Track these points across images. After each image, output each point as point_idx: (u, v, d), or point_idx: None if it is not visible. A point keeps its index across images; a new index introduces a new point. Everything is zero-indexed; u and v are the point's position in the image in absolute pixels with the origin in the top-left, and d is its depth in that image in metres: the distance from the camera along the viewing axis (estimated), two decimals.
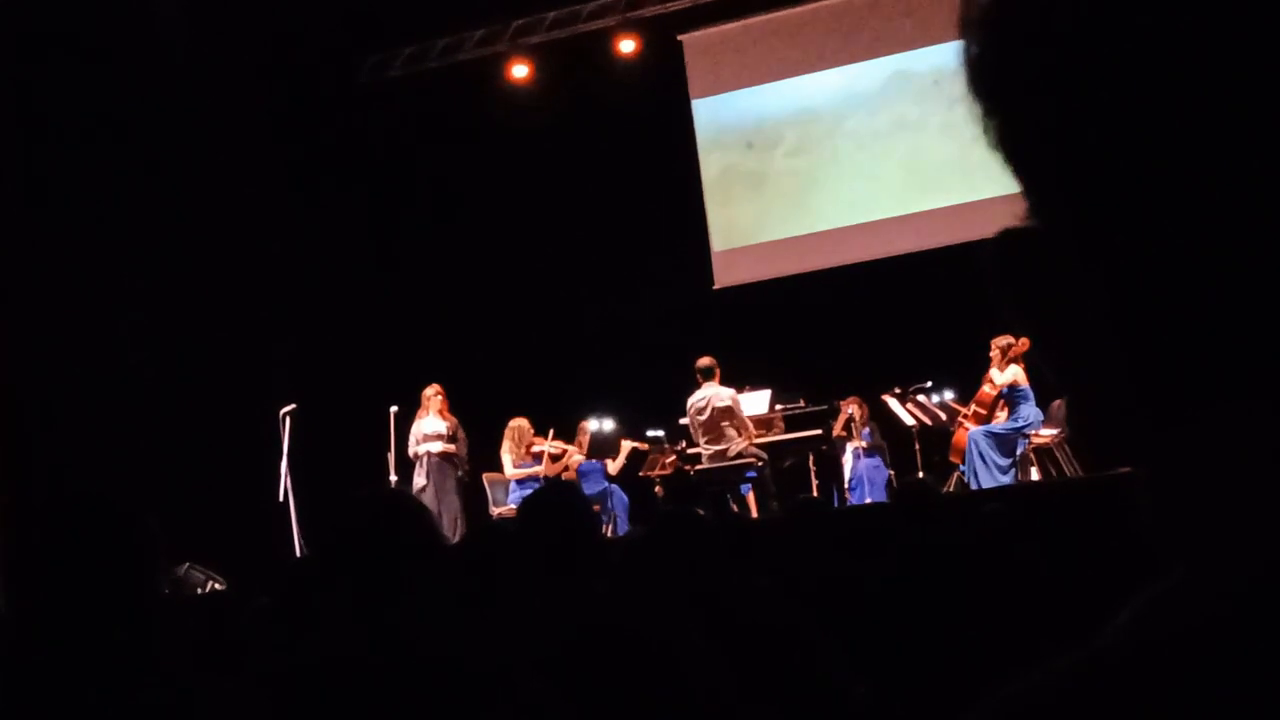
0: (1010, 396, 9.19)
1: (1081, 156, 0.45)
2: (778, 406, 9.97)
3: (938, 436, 9.84)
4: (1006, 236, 0.49)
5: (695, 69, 12.51)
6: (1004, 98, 0.48)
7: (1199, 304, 0.43)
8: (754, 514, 9.22)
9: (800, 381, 10.31)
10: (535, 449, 9.81)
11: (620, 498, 10.00)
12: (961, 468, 9.28)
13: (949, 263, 9.72)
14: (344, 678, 1.94)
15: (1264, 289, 0.42)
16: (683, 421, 9.62)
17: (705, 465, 9.32)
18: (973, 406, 9.31)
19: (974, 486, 8.88)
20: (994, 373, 9.19)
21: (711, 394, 9.28)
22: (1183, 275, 0.43)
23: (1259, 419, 0.42)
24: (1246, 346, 0.43)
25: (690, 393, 9.45)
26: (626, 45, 11.96)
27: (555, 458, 9.84)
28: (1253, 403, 0.43)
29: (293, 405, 9.28)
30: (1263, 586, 0.41)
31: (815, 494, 9.84)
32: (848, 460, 10.19)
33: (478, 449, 9.90)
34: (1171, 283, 0.44)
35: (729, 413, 9.24)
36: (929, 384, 10.01)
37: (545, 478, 9.61)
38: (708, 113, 12.58)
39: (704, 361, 9.33)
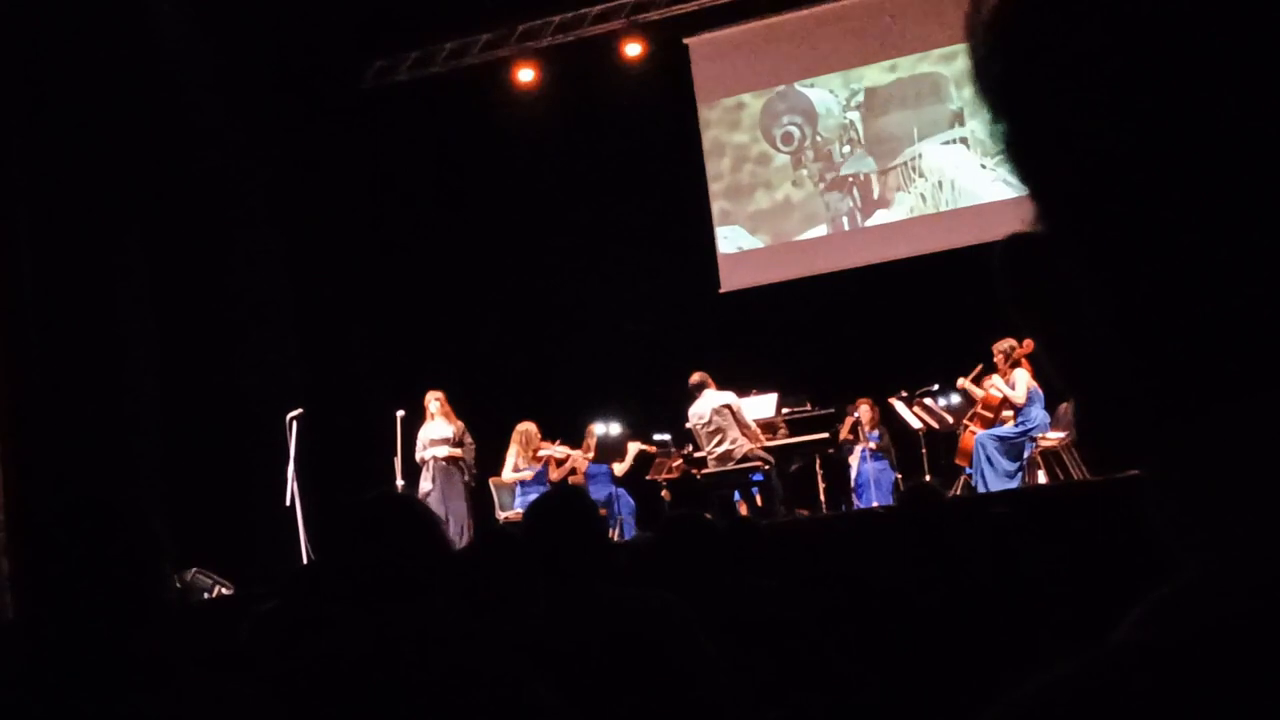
0: None
1: (1087, 161, 0.45)
2: (784, 410, 9.97)
3: (944, 439, 9.83)
4: (1014, 240, 0.50)
5: (701, 73, 12.52)
6: (1010, 102, 0.48)
7: (1204, 307, 0.43)
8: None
9: (806, 385, 10.32)
10: (541, 453, 9.81)
11: (627, 501, 10.01)
12: (968, 471, 9.26)
13: (956, 266, 9.72)
14: (350, 681, 1.94)
15: (1268, 291, 0.42)
16: (687, 425, 9.63)
17: (711, 469, 9.32)
18: (979, 410, 9.29)
19: (981, 490, 8.87)
20: (1000, 383, 9.15)
21: (711, 398, 9.28)
22: (1187, 279, 0.43)
23: (1264, 420, 0.42)
24: (1251, 348, 0.43)
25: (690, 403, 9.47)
26: (632, 49, 11.96)
27: (560, 462, 9.84)
28: (1257, 404, 0.43)
29: (299, 410, 9.29)
30: (1272, 587, 0.41)
31: (823, 497, 9.86)
32: (854, 463, 10.19)
33: (485, 453, 9.90)
34: (1176, 286, 0.44)
35: (729, 410, 9.23)
36: (935, 387, 10.00)
37: (551, 482, 9.61)
38: (713, 116, 12.61)
39: (695, 378, 9.31)
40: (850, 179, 12.27)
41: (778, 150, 12.74)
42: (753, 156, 12.73)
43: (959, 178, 11.75)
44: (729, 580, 3.23)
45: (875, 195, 12.20)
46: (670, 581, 3.02)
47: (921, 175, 11.98)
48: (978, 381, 9.37)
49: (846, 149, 12.38)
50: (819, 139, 12.46)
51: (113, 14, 9.23)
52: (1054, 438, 9.02)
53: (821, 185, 12.43)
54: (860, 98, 12.31)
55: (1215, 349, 0.43)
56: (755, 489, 9.34)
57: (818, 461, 9.97)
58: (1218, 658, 0.40)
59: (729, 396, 9.32)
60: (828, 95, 12.53)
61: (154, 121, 9.52)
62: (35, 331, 8.61)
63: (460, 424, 9.72)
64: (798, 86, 12.57)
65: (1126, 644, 0.43)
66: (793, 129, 12.69)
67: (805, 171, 12.65)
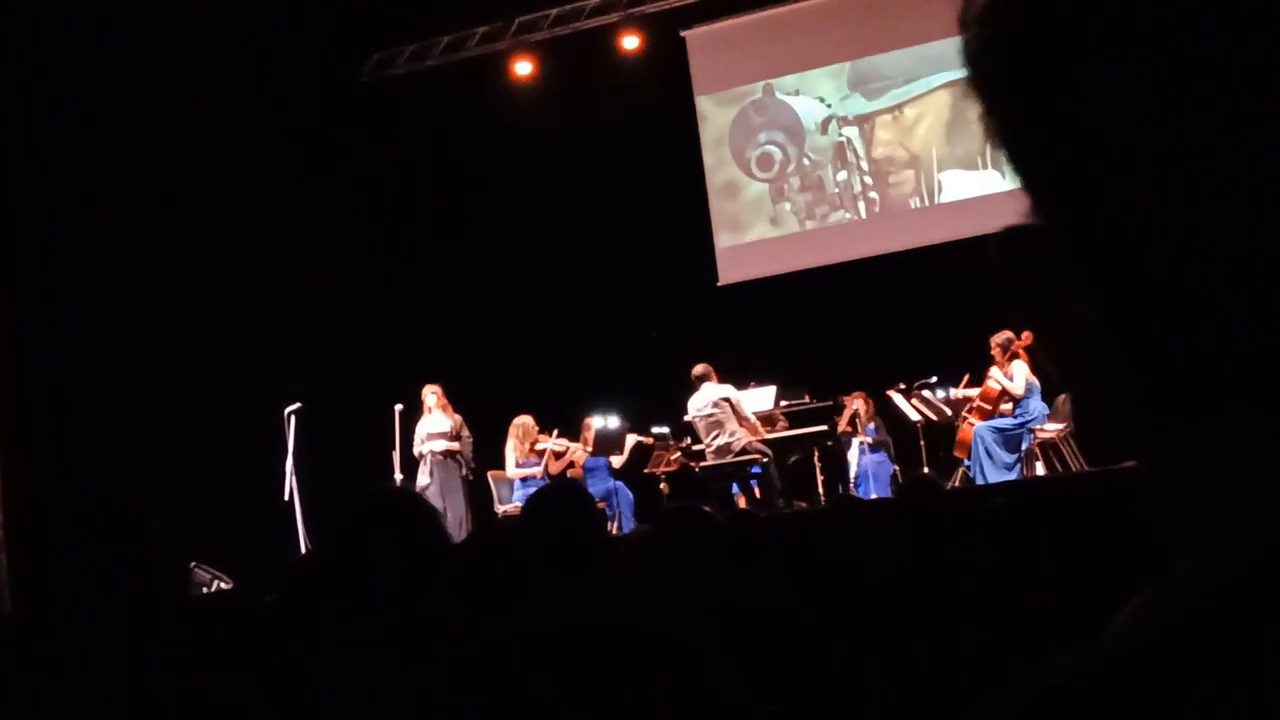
0: None
1: (1079, 155, 0.45)
2: (782, 403, 9.97)
3: (943, 432, 9.84)
4: (1010, 233, 0.50)
5: (699, 65, 12.46)
6: (1003, 95, 0.48)
7: (1197, 303, 0.43)
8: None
9: (805, 378, 10.32)
10: (539, 446, 9.82)
11: (625, 495, 10.01)
12: (966, 463, 9.27)
13: (954, 258, 9.70)
14: (349, 676, 1.94)
15: (1263, 288, 0.42)
16: (686, 419, 9.63)
17: (710, 462, 9.32)
18: (977, 402, 9.30)
19: (979, 482, 8.88)
20: (999, 375, 9.15)
21: (710, 391, 9.28)
22: (1184, 277, 0.43)
23: (1260, 419, 0.42)
24: (1245, 345, 0.43)
25: (690, 395, 9.47)
26: (630, 41, 11.96)
27: (558, 455, 9.85)
28: (1254, 403, 0.43)
29: (298, 404, 9.29)
30: (1265, 581, 0.41)
31: (821, 490, 9.86)
32: (853, 455, 10.19)
33: (483, 447, 9.91)
34: (1173, 284, 0.44)
35: (727, 403, 9.24)
36: (934, 379, 10.00)
37: (550, 475, 9.61)
38: (711, 108, 12.53)
39: (698, 369, 9.32)
40: (848, 170, 12.09)
41: (751, 177, 12.10)
42: (751, 148, 12.39)
43: (959, 168, 11.65)
44: (727, 573, 3.24)
45: (874, 187, 11.96)
46: (669, 574, 3.03)
47: (921, 166, 11.87)
48: (973, 382, 9.40)
49: (844, 140, 12.06)
50: (817, 130, 12.27)
51: (112, 9, 9.21)
52: (1052, 429, 9.02)
53: (819, 177, 12.13)
54: (859, 88, 11.95)
55: (1212, 348, 0.43)
56: (754, 482, 9.35)
57: (816, 454, 9.97)
58: (1210, 651, 0.40)
59: (728, 389, 9.32)
60: (816, 105, 11.98)
61: (151, 118, 9.51)
62: (35, 328, 8.61)
63: (458, 417, 9.72)
64: (779, 95, 12.03)
65: (1122, 638, 0.44)
66: (772, 149, 11.98)
67: (788, 205, 11.97)
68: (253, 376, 9.99)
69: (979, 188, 11.41)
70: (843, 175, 11.80)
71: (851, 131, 11.93)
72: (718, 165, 12.07)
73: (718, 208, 12.17)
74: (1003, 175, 0.50)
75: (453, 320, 11.82)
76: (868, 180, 11.77)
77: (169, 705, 1.81)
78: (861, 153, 11.84)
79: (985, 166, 11.10)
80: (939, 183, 11.71)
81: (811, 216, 11.82)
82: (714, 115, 12.22)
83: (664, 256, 11.71)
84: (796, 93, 12.04)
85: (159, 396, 9.24)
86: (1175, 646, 0.41)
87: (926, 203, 11.82)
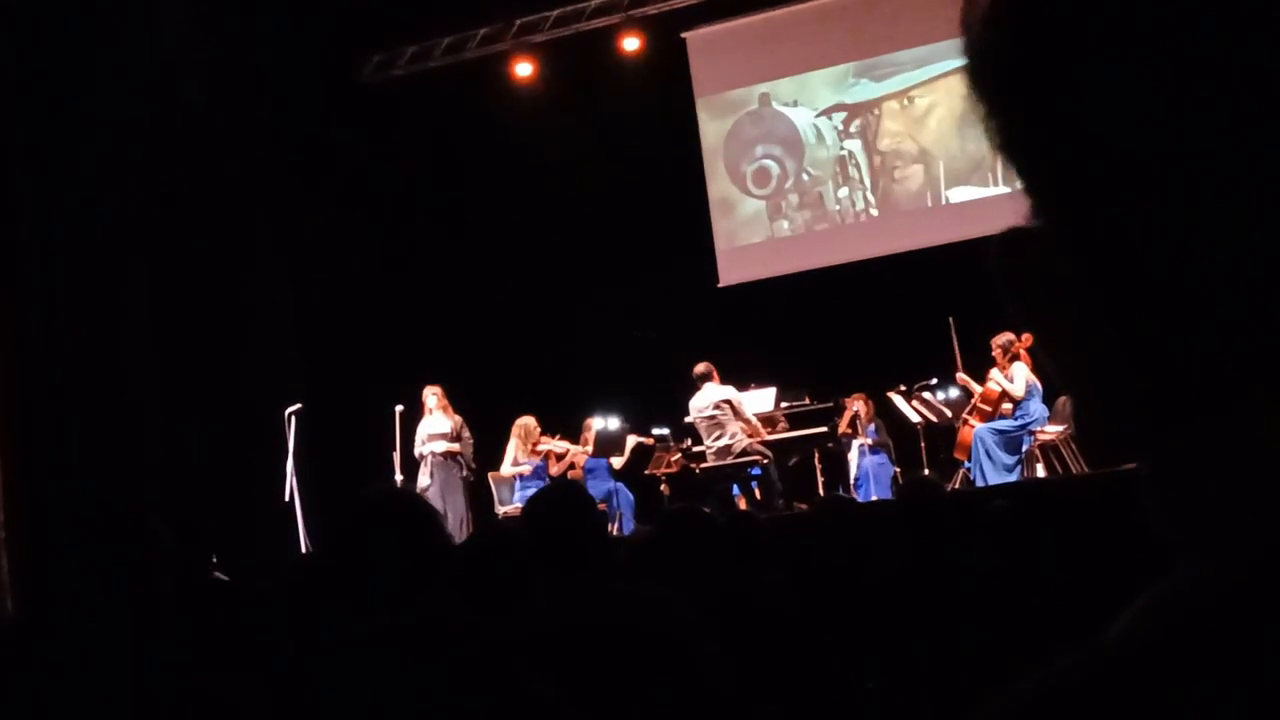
0: None
1: (1079, 155, 0.45)
2: (783, 404, 9.97)
3: (943, 434, 9.84)
4: (1010, 235, 0.50)
5: (699, 66, 12.45)
6: (1003, 97, 0.48)
7: (1197, 303, 0.43)
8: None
9: (805, 379, 10.32)
10: (540, 448, 9.83)
11: (626, 496, 10.02)
12: (967, 465, 9.27)
13: (956, 259, 9.70)
14: (348, 677, 1.94)
15: (1263, 288, 0.42)
16: (687, 420, 9.64)
17: (710, 463, 9.32)
18: (977, 403, 9.29)
19: (979, 484, 8.88)
20: (999, 376, 9.15)
21: (711, 392, 9.29)
22: (1181, 275, 0.43)
23: (1260, 420, 0.43)
24: (1245, 344, 0.43)
25: (691, 395, 9.47)
26: (630, 43, 11.96)
27: (559, 457, 9.86)
28: (1254, 404, 0.43)
29: (298, 405, 9.29)
30: (1265, 581, 0.41)
31: (821, 491, 9.87)
32: (853, 457, 10.19)
33: (484, 448, 9.91)
34: (1174, 285, 0.44)
35: (728, 405, 9.25)
36: (934, 381, 10.01)
37: (550, 477, 9.62)
38: (706, 120, 12.46)
39: (700, 368, 9.33)
40: (849, 172, 12.05)
41: (747, 194, 11.90)
42: (751, 149, 12.19)
43: (961, 170, 11.62)
44: (728, 574, 3.24)
45: (874, 188, 11.90)
46: (669, 575, 3.03)
47: (922, 168, 11.82)
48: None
49: (845, 141, 11.99)
50: (817, 131, 12.21)
51: (112, 9, 9.21)
52: (1052, 431, 9.02)
53: (820, 178, 11.94)
54: (859, 89, 11.87)
55: (1213, 348, 0.44)
56: (754, 483, 9.35)
57: (816, 455, 9.97)
58: (1211, 652, 0.40)
59: (729, 391, 9.33)
60: (826, 87, 11.85)
61: (152, 119, 9.51)
62: (36, 329, 8.60)
63: (458, 419, 9.73)
64: (796, 79, 12.09)
65: (1122, 639, 0.44)
66: (769, 163, 11.75)
67: (785, 223, 11.80)
68: (253, 376, 9.99)
69: (981, 189, 11.39)
70: (844, 192, 11.55)
71: (854, 145, 11.78)
72: (712, 180, 11.92)
73: (714, 223, 12.09)
74: (1013, 189, 0.50)
75: (453, 320, 11.82)
76: (870, 198, 11.59)
77: (169, 705, 1.81)
78: (864, 165, 11.66)
79: (996, 184, 10.97)
80: (946, 198, 11.63)
81: (811, 234, 11.64)
82: (709, 128, 12.12)
83: (664, 257, 11.72)
84: (794, 103, 11.90)
85: (159, 396, 9.23)
86: (1176, 647, 0.41)
87: (931, 203, 11.80)
